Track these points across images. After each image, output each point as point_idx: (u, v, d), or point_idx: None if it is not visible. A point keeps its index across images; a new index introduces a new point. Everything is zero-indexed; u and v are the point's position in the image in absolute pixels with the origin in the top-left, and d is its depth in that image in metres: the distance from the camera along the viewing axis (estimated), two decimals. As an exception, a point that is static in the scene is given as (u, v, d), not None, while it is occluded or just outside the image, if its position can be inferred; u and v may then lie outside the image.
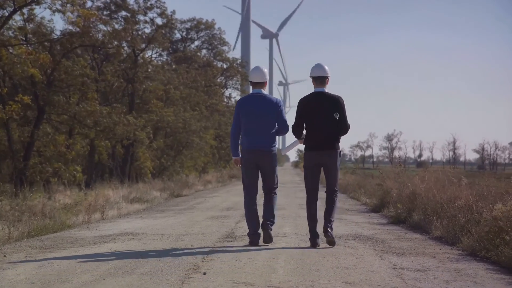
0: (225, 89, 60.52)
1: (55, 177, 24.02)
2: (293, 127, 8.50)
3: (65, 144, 23.81)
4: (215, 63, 56.44)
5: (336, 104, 8.27)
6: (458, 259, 7.49)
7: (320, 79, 8.38)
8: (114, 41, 27.41)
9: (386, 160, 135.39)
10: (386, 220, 12.94)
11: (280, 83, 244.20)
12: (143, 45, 35.28)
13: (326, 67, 8.43)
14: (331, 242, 8.16)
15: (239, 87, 61.60)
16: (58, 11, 20.03)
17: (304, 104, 8.37)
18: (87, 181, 29.04)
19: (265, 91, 8.64)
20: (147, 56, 37.17)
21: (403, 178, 16.64)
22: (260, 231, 8.39)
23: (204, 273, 6.23)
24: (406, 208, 12.60)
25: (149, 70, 36.89)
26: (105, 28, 26.30)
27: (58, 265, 6.73)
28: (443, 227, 9.85)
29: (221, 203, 17.58)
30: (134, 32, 33.04)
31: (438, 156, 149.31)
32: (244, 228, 10.39)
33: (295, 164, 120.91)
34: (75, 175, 24.49)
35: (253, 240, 8.33)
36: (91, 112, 22.09)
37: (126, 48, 34.02)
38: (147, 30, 37.17)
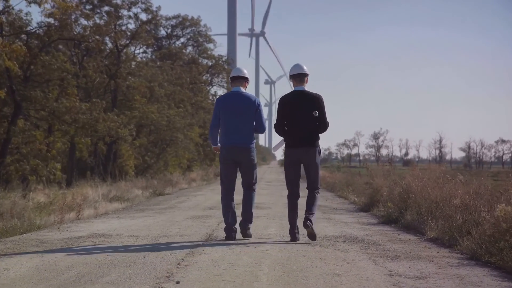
0: (210, 87, 59.84)
1: (33, 175, 23.22)
2: (275, 126, 8.59)
3: (44, 141, 23.00)
4: (200, 61, 55.75)
5: (315, 102, 8.34)
6: (459, 264, 6.83)
7: (299, 77, 8.45)
8: (95, 36, 26.62)
9: (373, 158, 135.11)
10: (376, 219, 12.31)
11: (267, 81, 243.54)
12: (127, 41, 34.55)
13: (305, 67, 8.52)
14: (311, 235, 8.12)
15: (224, 84, 60.92)
16: (34, 2, 19.18)
17: (284, 103, 8.45)
18: (68, 179, 28.29)
19: (245, 90, 8.71)
20: (130, 52, 36.41)
21: (393, 176, 16.05)
22: (237, 226, 8.50)
23: (178, 282, 5.52)
24: (397, 208, 11.96)
25: (133, 66, 36.13)
26: (86, 23, 25.48)
27: (15, 273, 6.01)
28: (438, 227, 9.21)
29: (204, 202, 16.88)
30: (117, 27, 32.30)
31: (424, 154, 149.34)
32: (226, 229, 9.74)
33: (281, 163, 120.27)
34: (54, 172, 23.72)
35: (229, 235, 8.39)
36: (69, 108, 21.25)
37: (109, 44, 33.30)
38: (131, 26, 36.44)
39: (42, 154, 21.52)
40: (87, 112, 23.50)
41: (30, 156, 21.27)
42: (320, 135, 8.45)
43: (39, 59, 21.12)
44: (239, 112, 8.42)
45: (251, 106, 8.48)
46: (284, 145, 8.83)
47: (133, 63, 37.29)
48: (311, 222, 8.07)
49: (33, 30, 20.95)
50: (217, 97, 60.55)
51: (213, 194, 21.03)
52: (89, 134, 26.08)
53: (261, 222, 10.98)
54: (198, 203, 16.27)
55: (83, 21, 27.21)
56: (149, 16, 37.20)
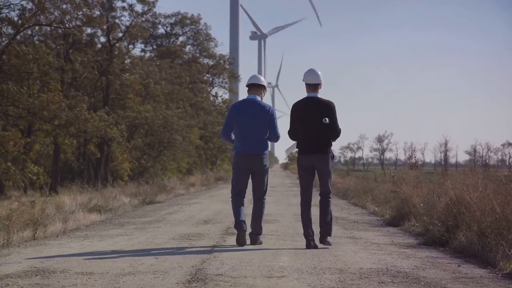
0: (211, 87, 57.45)
1: (8, 180, 20.59)
2: (288, 132, 8.62)
3: (20, 142, 20.33)
4: (201, 60, 53.41)
5: (327, 109, 8.34)
6: None
7: (312, 86, 8.48)
8: (86, 28, 24.12)
9: (376, 161, 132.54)
10: (413, 239, 9.63)
11: (269, 85, 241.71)
12: (120, 34, 32.05)
13: (319, 73, 8.53)
14: (328, 244, 8.29)
15: (226, 85, 58.50)
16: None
17: (297, 109, 8.47)
18: (51, 185, 25.75)
19: (262, 97, 8.71)
20: (124, 46, 33.87)
21: (424, 183, 13.36)
22: (247, 228, 8.37)
23: None
24: (443, 225, 9.29)
25: (126, 61, 33.58)
26: (67, 8, 22.83)
27: None
28: (518, 258, 6.54)
29: (199, 213, 14.22)
30: (110, 20, 29.82)
31: (428, 158, 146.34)
32: (221, 258, 7.11)
33: (285, 166, 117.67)
34: (32, 177, 21.11)
35: (239, 230, 8.18)
36: (47, 104, 18.55)
37: (102, 38, 30.88)
38: (125, 19, 34.02)
39: (16, 156, 18.82)
40: (73, 108, 20.90)
41: (2, 158, 18.55)
42: (332, 141, 8.40)
43: (13, 48, 18.44)
44: (253, 120, 8.41)
45: (265, 115, 8.47)
46: (296, 148, 8.61)
47: (128, 60, 34.78)
48: (328, 237, 8.27)
49: (2, 12, 18.22)
50: (219, 97, 58.36)
51: (211, 202, 18.38)
52: (75, 134, 23.50)
53: (269, 244, 8.34)
54: (191, 215, 13.63)
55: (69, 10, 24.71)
56: (145, 8, 34.64)
